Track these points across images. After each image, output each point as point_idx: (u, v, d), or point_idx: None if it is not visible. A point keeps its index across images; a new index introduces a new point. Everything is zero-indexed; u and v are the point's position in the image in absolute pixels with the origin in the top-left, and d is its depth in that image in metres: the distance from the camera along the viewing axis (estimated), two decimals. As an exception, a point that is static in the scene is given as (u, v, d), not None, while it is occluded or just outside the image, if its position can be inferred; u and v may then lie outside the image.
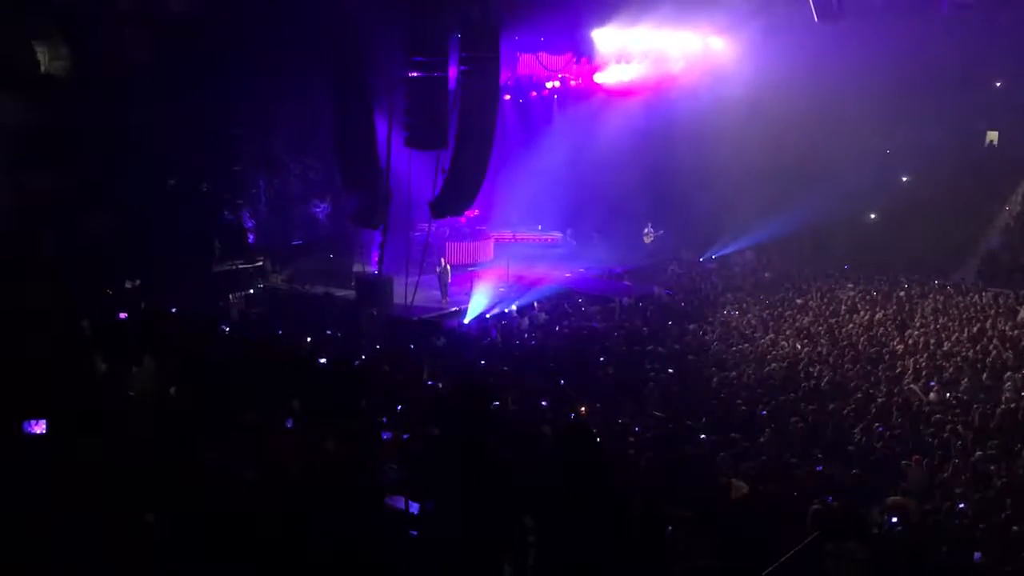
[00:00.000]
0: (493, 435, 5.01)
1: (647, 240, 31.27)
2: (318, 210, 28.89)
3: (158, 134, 21.44)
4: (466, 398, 4.95)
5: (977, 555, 8.91)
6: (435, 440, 5.88)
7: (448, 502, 4.89)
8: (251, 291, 24.16)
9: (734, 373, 17.25)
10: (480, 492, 4.59)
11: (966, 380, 16.30)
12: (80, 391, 6.07)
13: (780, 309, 23.33)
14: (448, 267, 25.26)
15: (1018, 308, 22.02)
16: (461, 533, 4.55)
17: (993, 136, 33.58)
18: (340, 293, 24.83)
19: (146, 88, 21.00)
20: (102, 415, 6.05)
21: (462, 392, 5.16)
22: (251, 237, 26.36)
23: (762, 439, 13.10)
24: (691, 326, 21.67)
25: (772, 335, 20.58)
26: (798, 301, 24.14)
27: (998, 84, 32.95)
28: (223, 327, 18.42)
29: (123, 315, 13.20)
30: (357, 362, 16.82)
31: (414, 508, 5.54)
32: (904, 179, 33.17)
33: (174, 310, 16.30)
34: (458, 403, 5.00)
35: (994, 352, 17.85)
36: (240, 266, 24.30)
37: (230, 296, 23.35)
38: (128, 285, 20.33)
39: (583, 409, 13.79)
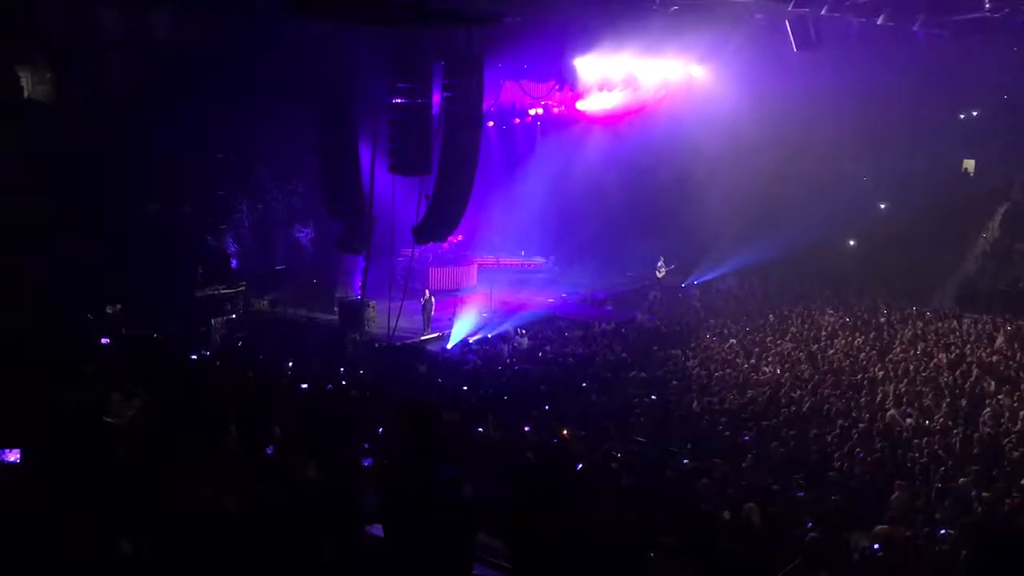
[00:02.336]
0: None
1: (660, 275, 31.36)
2: (301, 235, 28.83)
3: (141, 159, 21.40)
4: (410, 416, 4.92)
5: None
6: (395, 465, 5.83)
7: (407, 528, 4.85)
8: (233, 316, 24.03)
9: (716, 398, 17.29)
10: (436, 517, 4.56)
11: (945, 406, 16.40)
12: (57, 418, 6.04)
13: (762, 335, 23.46)
14: (432, 298, 25.23)
15: (996, 334, 22.24)
16: (422, 561, 4.53)
17: (969, 164, 34.10)
18: (323, 318, 24.75)
19: (129, 113, 20.98)
20: (79, 442, 6.00)
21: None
22: (234, 262, 26.26)
23: (744, 464, 13.12)
24: (674, 352, 21.73)
25: (754, 360, 20.67)
26: (779, 327, 24.28)
27: (975, 113, 33.48)
28: (204, 352, 18.34)
29: (105, 340, 13.13)
30: (339, 388, 16.77)
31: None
32: (882, 206, 33.55)
33: (156, 336, 16.23)
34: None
35: (973, 378, 18.00)
36: (223, 291, 24.17)
37: (212, 321, 23.21)
38: (109, 310, 20.20)
39: (565, 433, 13.78)
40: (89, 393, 7.23)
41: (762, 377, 19.07)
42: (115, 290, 20.54)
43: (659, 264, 31.49)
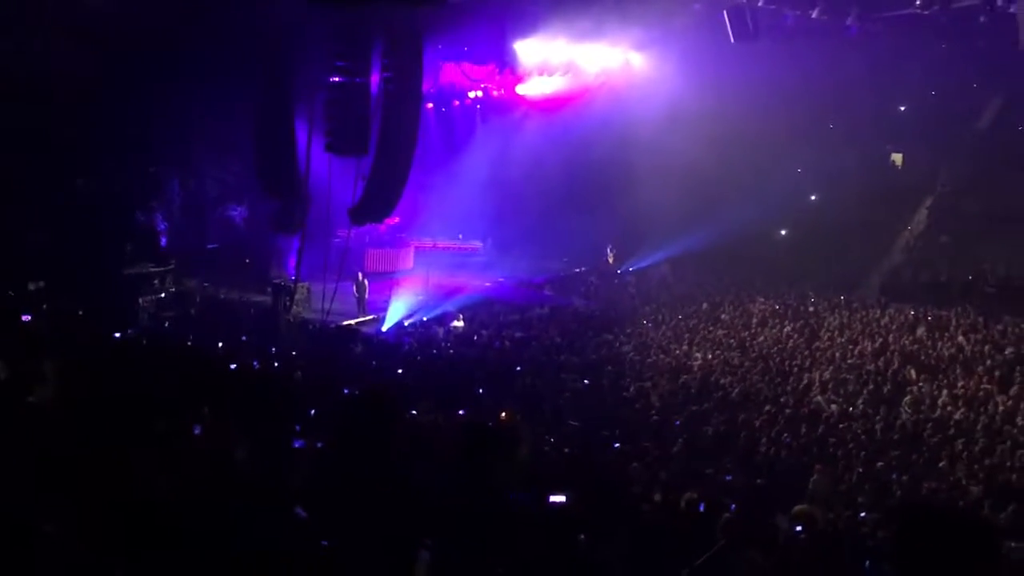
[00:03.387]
0: (400, 444, 4.95)
1: (610, 261, 31.72)
2: (235, 214, 28.29)
3: (69, 134, 20.73)
4: (372, 405, 4.88)
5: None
6: (339, 447, 5.77)
7: (350, 514, 4.82)
8: (162, 295, 23.49)
9: (649, 383, 17.51)
10: (382, 504, 4.54)
11: (868, 393, 16.88)
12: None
13: (694, 321, 23.81)
14: (366, 281, 24.99)
15: (918, 324, 22.93)
16: (362, 546, 4.50)
17: (897, 158, 35.03)
18: (256, 299, 24.36)
19: (60, 88, 20.29)
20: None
21: (368, 399, 5.08)
22: (164, 240, 25.65)
23: (675, 448, 13.33)
24: (608, 337, 21.93)
25: (686, 347, 20.98)
26: (711, 314, 24.67)
27: (902, 108, 34.36)
28: (130, 331, 17.90)
29: (26, 317, 12.69)
30: (271, 368, 16.53)
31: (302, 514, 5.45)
32: (813, 197, 34.30)
33: (80, 313, 15.77)
34: (364, 410, 4.92)
35: (895, 366, 18.55)
36: (151, 269, 23.59)
37: (140, 300, 22.64)
38: (32, 287, 19.56)
39: (504, 415, 13.79)
40: (10, 371, 6.99)
41: (694, 363, 19.37)
42: (39, 266, 19.91)
43: (608, 250, 31.87)
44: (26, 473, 5.28)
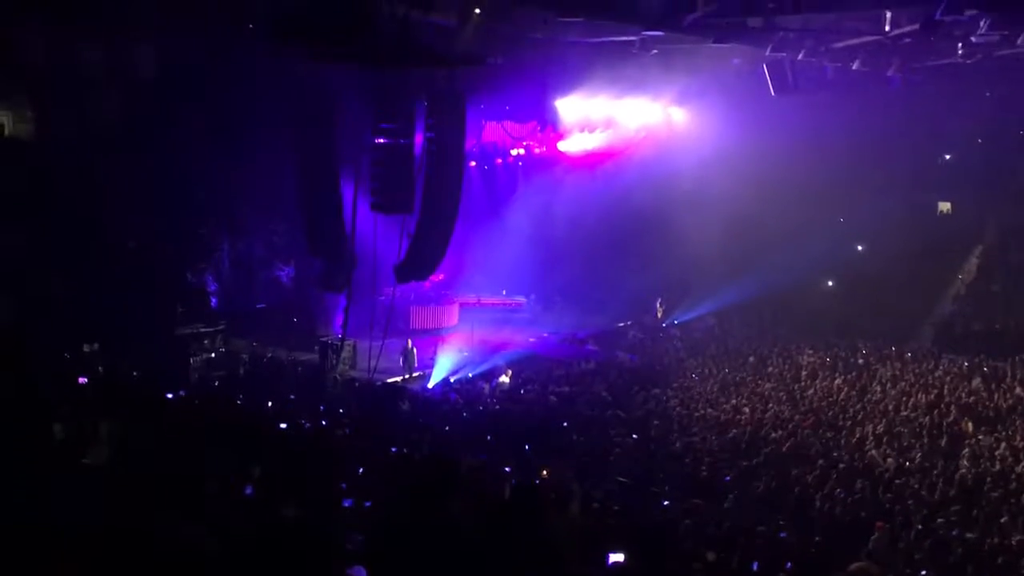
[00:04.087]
0: (455, 502, 4.96)
1: (659, 315, 31.76)
2: (282, 274, 28.74)
3: (122, 196, 21.34)
4: (436, 467, 4.91)
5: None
6: (397, 506, 5.79)
7: (406, 571, 4.81)
8: (212, 355, 23.82)
9: (697, 439, 17.28)
10: (438, 561, 4.53)
11: (924, 446, 16.48)
12: (35, 458, 5.94)
13: (742, 375, 23.53)
14: (414, 349, 25.07)
15: (973, 375, 22.41)
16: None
17: (945, 206, 34.62)
18: (303, 357, 24.61)
19: (111, 151, 20.95)
20: (55, 483, 5.91)
21: (432, 460, 5.13)
22: (214, 300, 26.11)
23: (726, 505, 13.10)
24: (655, 391, 21.74)
25: (735, 400, 20.71)
26: (759, 367, 24.36)
27: (948, 156, 34.06)
28: (181, 392, 18.14)
29: (83, 379, 12.95)
30: (319, 427, 16.63)
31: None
32: (859, 248, 33.93)
33: (135, 374, 16.05)
34: (428, 471, 4.95)
35: (951, 418, 18.11)
36: (202, 329, 23.99)
37: (191, 360, 22.99)
38: (86, 349, 19.98)
39: (545, 473, 13.71)
40: (67, 433, 7.13)
41: (742, 417, 19.09)
42: (93, 328, 20.35)
43: (657, 304, 31.84)
44: (79, 533, 5.35)
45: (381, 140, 21.66)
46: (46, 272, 19.32)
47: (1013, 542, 11.67)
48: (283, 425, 14.49)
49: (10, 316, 17.28)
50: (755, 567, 9.84)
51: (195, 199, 24.28)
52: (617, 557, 4.98)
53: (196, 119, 21.81)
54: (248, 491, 8.00)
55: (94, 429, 8.11)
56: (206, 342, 23.89)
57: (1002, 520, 12.53)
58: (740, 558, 10.17)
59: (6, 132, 20.66)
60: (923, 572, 10.66)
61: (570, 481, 12.78)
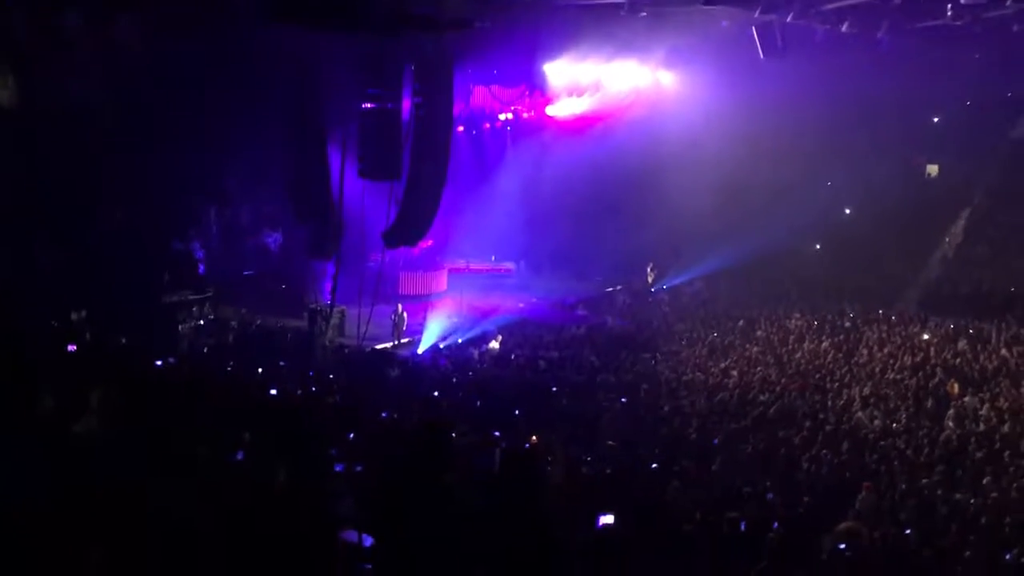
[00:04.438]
0: (447, 469, 5.01)
1: (650, 280, 31.79)
2: (270, 240, 28.64)
3: (107, 164, 21.15)
4: (428, 433, 4.95)
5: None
6: (391, 473, 5.83)
7: (401, 537, 4.87)
8: (201, 322, 23.79)
9: (686, 402, 17.40)
10: (432, 528, 4.58)
11: (910, 408, 16.65)
12: (24, 427, 5.95)
13: (730, 338, 23.65)
14: (405, 314, 25.07)
15: (959, 337, 22.60)
16: (412, 570, 4.53)
17: (933, 169, 34.68)
18: (292, 324, 24.60)
19: (96, 119, 20.73)
20: (46, 451, 5.92)
21: (425, 427, 5.16)
22: (201, 267, 26.01)
23: (714, 467, 13.23)
24: (644, 356, 21.85)
25: (723, 364, 20.84)
26: (747, 331, 24.48)
27: (936, 119, 34.05)
28: (171, 359, 18.14)
29: (72, 347, 12.93)
30: (309, 393, 16.68)
31: (367, 542, 5.50)
32: (847, 211, 34.01)
33: (123, 342, 16.02)
34: (420, 437, 4.99)
35: (937, 380, 18.28)
36: (190, 297, 23.93)
37: (179, 327, 22.96)
38: (74, 317, 19.92)
39: (534, 439, 13.80)
40: (57, 400, 7.13)
41: (730, 381, 19.22)
42: (80, 296, 20.27)
43: (649, 268, 31.90)
44: (72, 501, 5.38)
45: (368, 106, 21.52)
46: (32, 240, 19.18)
47: (992, 500, 11.84)
48: (273, 391, 14.53)
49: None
50: (743, 527, 9.95)
51: (182, 167, 24.08)
52: (607, 519, 5.04)
53: (182, 88, 21.56)
54: (239, 456, 8.04)
55: (83, 398, 8.11)
56: (195, 309, 23.84)
57: (985, 480, 12.70)
58: (729, 519, 10.30)
59: (-11, 100, 20.41)
60: (908, 531, 10.81)
61: (556, 446, 12.87)
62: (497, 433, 14.19)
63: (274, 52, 21.43)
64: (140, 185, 22.57)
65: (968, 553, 9.92)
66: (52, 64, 20.41)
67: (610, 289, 32.19)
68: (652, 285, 31.87)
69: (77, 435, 7.34)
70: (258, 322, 24.75)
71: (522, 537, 4.40)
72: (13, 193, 19.33)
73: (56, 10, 20.14)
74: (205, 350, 22.67)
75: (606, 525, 4.96)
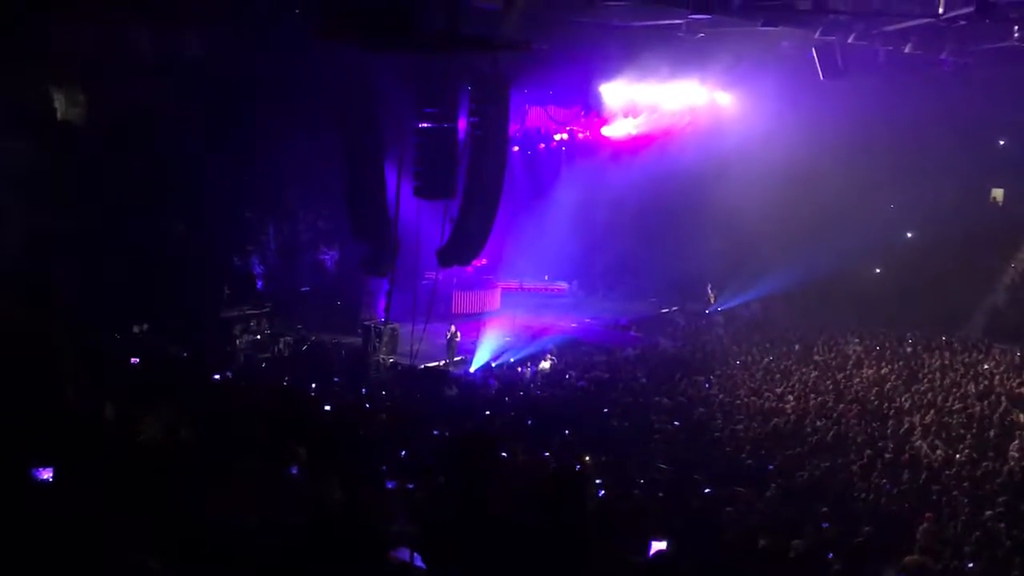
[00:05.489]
0: (496, 487, 4.99)
1: (712, 301, 31.71)
2: (326, 257, 29.02)
3: (170, 180, 21.67)
4: (472, 449, 4.94)
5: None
6: (439, 491, 5.83)
7: (451, 556, 4.86)
8: (258, 337, 24.17)
9: (741, 426, 17.16)
10: (482, 546, 4.57)
11: (973, 437, 16.20)
12: (89, 438, 6.10)
13: (787, 362, 23.28)
14: (458, 333, 25.17)
15: (1024, 365, 21.98)
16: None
17: (998, 193, 33.86)
18: (347, 340, 24.86)
19: (159, 134, 21.27)
20: (109, 463, 6.06)
21: (468, 443, 5.15)
22: (259, 283, 26.46)
23: (768, 493, 13.00)
24: (698, 378, 21.61)
25: (779, 389, 20.51)
26: (804, 355, 24.09)
27: (1002, 142, 33.26)
28: (228, 373, 18.45)
29: (135, 360, 13.22)
30: (363, 410, 16.81)
31: (418, 561, 5.51)
32: (909, 235, 33.34)
33: (183, 356, 16.33)
34: (464, 454, 4.98)
35: (1002, 409, 17.77)
36: (248, 312, 24.34)
37: (237, 342, 23.36)
38: (136, 330, 20.39)
39: (586, 459, 13.72)
40: (120, 412, 7.30)
41: (787, 405, 18.90)
42: (142, 309, 20.74)
43: (709, 289, 31.71)
44: (135, 512, 5.48)
45: (425, 125, 21.72)
46: (97, 254, 19.68)
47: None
48: (327, 407, 14.67)
49: (63, 299, 17.66)
50: (798, 556, 9.77)
51: (242, 184, 24.57)
52: (660, 545, 4.97)
53: (243, 104, 22.03)
54: (294, 471, 8.13)
55: (146, 409, 8.30)
56: (252, 324, 24.24)
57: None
58: (783, 546, 10.11)
59: (59, 115, 21.06)
60: (970, 565, 10.50)
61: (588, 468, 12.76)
62: (547, 453, 14.16)
63: (333, 69, 21.77)
64: (202, 200, 23.08)
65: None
66: (119, 81, 20.99)
67: (665, 310, 31.97)
68: (714, 305, 31.62)
69: (139, 445, 7.51)
70: (313, 338, 25.04)
71: (571, 559, 4.37)
72: (79, 207, 19.88)
73: (124, 28, 20.75)
74: (262, 365, 23.00)
75: (659, 551, 4.89)
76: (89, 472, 5.87)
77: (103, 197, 20.53)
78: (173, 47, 22.09)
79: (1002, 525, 11.77)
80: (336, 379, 20.90)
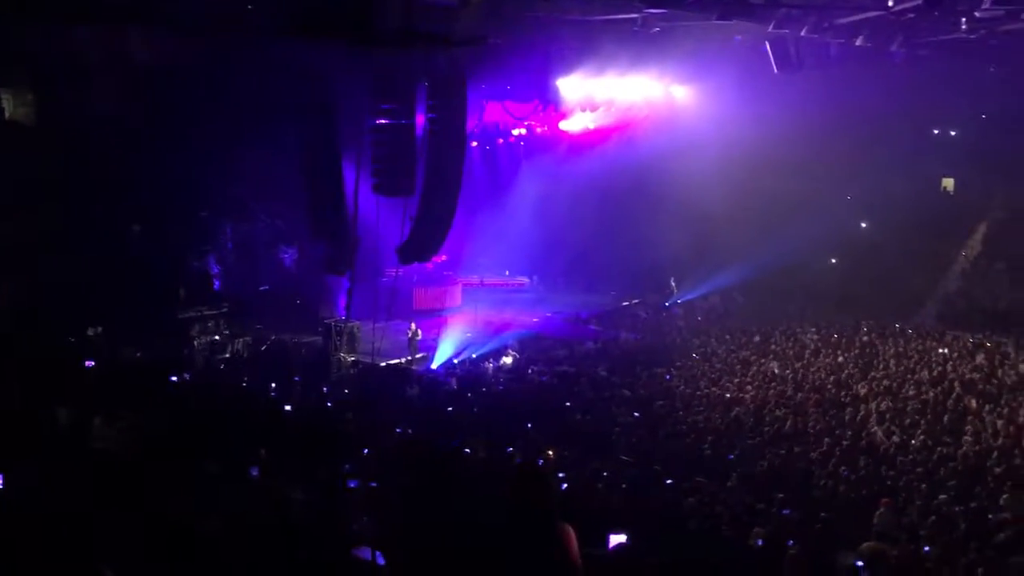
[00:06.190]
0: (458, 484, 4.99)
1: (674, 292, 31.94)
2: (285, 256, 28.75)
3: (123, 181, 21.31)
4: (433, 451, 4.94)
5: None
6: (402, 490, 5.82)
7: (413, 555, 4.85)
8: (216, 337, 23.88)
9: (701, 417, 17.32)
10: (445, 542, 4.57)
11: (927, 423, 16.49)
12: (42, 444, 5.99)
13: (745, 353, 23.53)
14: (419, 331, 25.08)
15: (977, 351, 22.41)
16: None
17: (948, 183, 34.52)
18: (307, 339, 24.67)
19: (111, 135, 20.90)
20: (62, 468, 5.95)
21: (424, 445, 5.15)
22: (216, 283, 26.13)
23: (729, 483, 13.14)
24: (658, 370, 21.77)
25: (738, 379, 20.72)
26: (762, 345, 24.37)
27: (953, 132, 33.91)
28: (185, 375, 18.21)
29: (89, 363, 13.00)
30: (324, 409, 16.70)
31: (380, 560, 5.49)
32: (863, 225, 33.87)
33: (138, 358, 16.09)
34: (424, 455, 4.98)
35: (955, 395, 18.13)
36: (205, 312, 24.02)
37: (195, 343, 23.06)
38: (90, 332, 20.04)
39: (550, 453, 13.76)
40: (74, 417, 7.17)
41: (746, 396, 19.11)
42: (96, 312, 20.39)
43: (672, 282, 31.98)
44: (86, 515, 5.39)
45: (382, 121, 21.62)
46: (49, 256, 19.32)
47: (1014, 517, 11.70)
48: (287, 407, 14.56)
49: (13, 301, 17.32)
50: (759, 544, 9.88)
51: (198, 183, 24.23)
52: (619, 538, 4.99)
53: (197, 104, 21.71)
54: (254, 472, 8.05)
55: (100, 413, 8.16)
56: (210, 324, 23.92)
57: (1004, 496, 12.56)
58: (755, 535, 10.23)
59: (7, 115, 20.63)
60: (926, 548, 10.68)
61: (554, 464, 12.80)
62: (511, 449, 14.17)
63: (287, 67, 21.56)
64: (156, 201, 22.73)
65: (982, 570, 9.80)
66: (68, 81, 20.62)
67: (625, 303, 32.15)
68: (676, 297, 31.89)
69: (97, 451, 7.39)
70: (273, 338, 24.81)
71: (535, 554, 4.37)
72: (29, 210, 19.49)
73: (74, 28, 20.36)
74: (221, 366, 22.74)
75: (619, 544, 4.90)
76: (44, 477, 5.76)
77: (55, 198, 20.15)
78: (124, 48, 21.73)
79: (957, 509, 12.00)
80: (297, 379, 20.72)
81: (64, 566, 4.71)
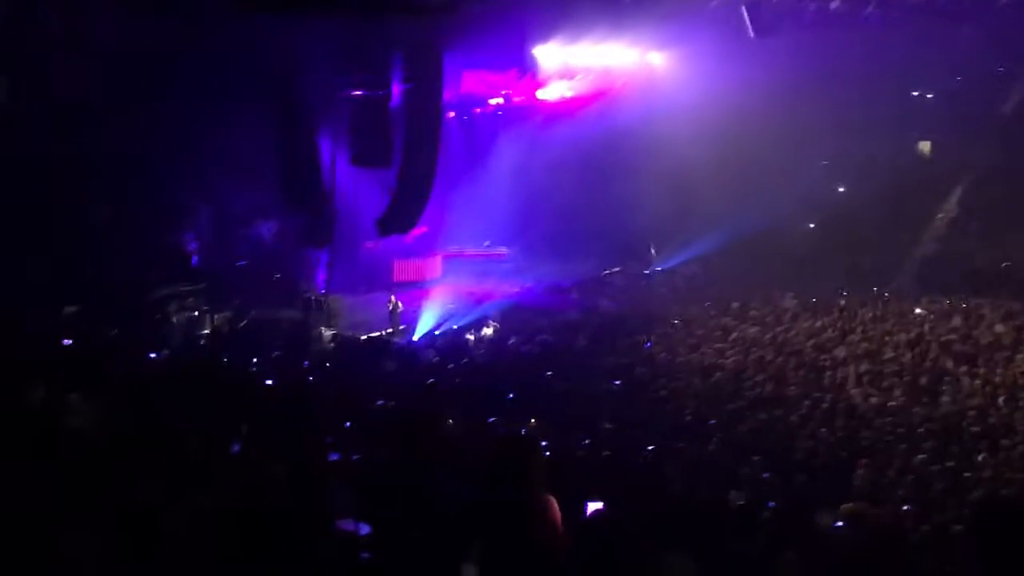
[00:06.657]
0: (436, 457, 4.99)
1: (654, 259, 31.91)
2: (263, 230, 28.48)
3: (95, 159, 20.99)
4: (414, 423, 4.93)
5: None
6: (383, 463, 5.81)
7: (397, 526, 4.85)
8: (195, 313, 23.70)
9: (682, 383, 17.42)
10: (426, 517, 4.57)
11: (905, 384, 16.68)
12: (15, 422, 5.92)
13: (725, 319, 23.65)
14: (399, 304, 25.01)
15: (953, 313, 22.65)
16: (409, 558, 4.52)
17: (925, 146, 34.65)
18: (287, 314, 24.53)
19: (81, 114, 20.57)
20: (36, 446, 5.89)
21: (410, 417, 5.14)
22: (194, 259, 25.88)
23: (710, 447, 13.25)
24: (638, 338, 21.85)
25: (718, 345, 20.84)
26: (742, 311, 24.48)
27: (929, 95, 33.98)
28: (164, 351, 18.09)
29: (67, 341, 12.88)
30: (305, 382, 16.65)
31: (364, 530, 5.50)
32: (840, 189, 33.99)
33: (115, 335, 15.96)
34: (406, 428, 4.97)
35: (932, 356, 18.33)
36: (183, 289, 23.81)
37: (173, 319, 22.88)
38: (68, 311, 19.83)
39: (533, 422, 13.80)
40: (49, 394, 7.10)
41: (726, 361, 19.22)
42: (72, 291, 20.17)
43: (651, 248, 31.96)
44: (62, 494, 5.35)
45: (358, 93, 21.43)
46: (21, 237, 19.07)
47: (988, 475, 11.89)
48: (268, 381, 14.51)
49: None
50: (739, 504, 9.97)
51: (169, 158, 23.90)
52: (596, 505, 5.01)
53: (164, 79, 21.35)
54: (235, 448, 8.01)
55: (79, 391, 8.09)
56: (188, 301, 23.73)
57: (980, 455, 12.75)
58: (732, 498, 10.31)
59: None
60: (905, 507, 10.84)
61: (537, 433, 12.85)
62: (491, 419, 14.20)
63: (253, 39, 21.20)
64: (128, 179, 22.39)
65: (959, 527, 9.95)
66: (33, 62, 20.25)
67: (606, 272, 32.17)
68: (656, 264, 31.90)
69: (72, 430, 7.32)
70: (252, 313, 24.65)
71: (515, 525, 4.39)
72: (2, 191, 19.20)
73: (36, 8, 19.96)
74: (200, 342, 22.59)
75: (596, 511, 4.92)
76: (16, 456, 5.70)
77: (26, 179, 19.83)
78: (88, 26, 21.31)
79: (934, 468, 12.17)
80: (277, 353, 20.63)
81: (40, 543, 4.67)
